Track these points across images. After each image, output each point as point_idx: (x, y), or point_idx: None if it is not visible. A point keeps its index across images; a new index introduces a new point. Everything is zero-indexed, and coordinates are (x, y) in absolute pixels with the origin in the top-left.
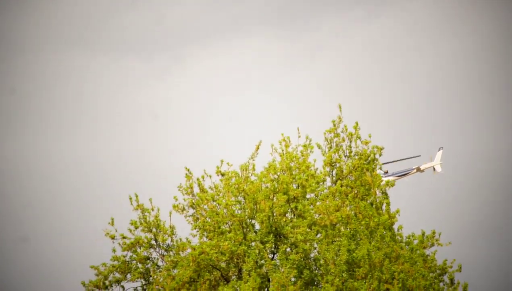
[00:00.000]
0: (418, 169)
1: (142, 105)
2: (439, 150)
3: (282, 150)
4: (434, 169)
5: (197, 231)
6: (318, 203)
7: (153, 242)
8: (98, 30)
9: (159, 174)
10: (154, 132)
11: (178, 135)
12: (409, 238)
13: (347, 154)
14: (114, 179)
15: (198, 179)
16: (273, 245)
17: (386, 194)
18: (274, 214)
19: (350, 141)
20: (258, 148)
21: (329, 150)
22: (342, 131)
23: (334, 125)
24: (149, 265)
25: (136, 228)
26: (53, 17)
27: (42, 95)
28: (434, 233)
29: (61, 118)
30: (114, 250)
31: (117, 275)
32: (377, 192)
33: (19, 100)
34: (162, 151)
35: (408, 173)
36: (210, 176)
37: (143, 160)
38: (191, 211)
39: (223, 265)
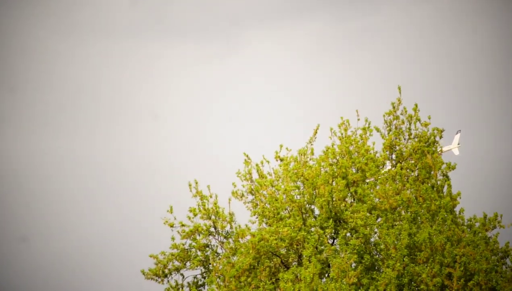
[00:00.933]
0: None
1: (142, 105)
2: (456, 133)
3: (342, 134)
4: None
5: (256, 218)
6: (377, 187)
7: (212, 229)
8: (96, 26)
9: (159, 174)
10: (154, 132)
11: (178, 135)
12: (470, 221)
13: (407, 137)
14: (114, 179)
15: (257, 165)
16: (333, 230)
17: (447, 177)
18: (334, 199)
19: (410, 124)
20: (316, 132)
21: (389, 133)
22: (401, 114)
23: (394, 107)
24: (208, 252)
25: (195, 215)
26: (50, 13)
27: (41, 94)
28: (496, 215)
29: (61, 118)
30: (173, 238)
31: (176, 263)
32: (438, 175)
33: (19, 100)
34: (162, 151)
35: None
36: (269, 162)
37: (143, 160)
38: (250, 197)
39: (282, 251)
